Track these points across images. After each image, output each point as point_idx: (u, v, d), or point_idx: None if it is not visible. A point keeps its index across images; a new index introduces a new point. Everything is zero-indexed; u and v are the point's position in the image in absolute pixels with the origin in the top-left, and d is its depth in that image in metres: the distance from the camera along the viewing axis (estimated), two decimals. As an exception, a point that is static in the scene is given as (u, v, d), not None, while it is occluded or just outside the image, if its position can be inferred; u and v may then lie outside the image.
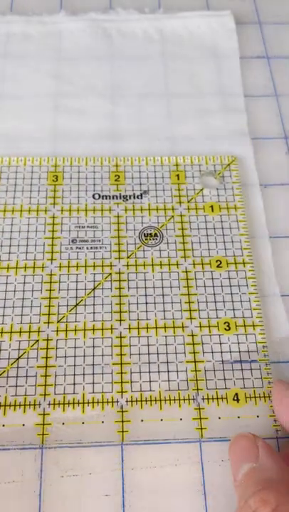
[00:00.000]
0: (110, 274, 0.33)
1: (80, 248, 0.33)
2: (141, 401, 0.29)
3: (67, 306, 0.31)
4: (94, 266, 0.33)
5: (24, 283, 0.32)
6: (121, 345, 0.30)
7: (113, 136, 0.39)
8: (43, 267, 0.33)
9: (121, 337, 0.31)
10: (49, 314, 0.31)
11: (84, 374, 0.29)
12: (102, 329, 0.31)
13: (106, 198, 0.35)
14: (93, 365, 0.30)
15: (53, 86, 0.41)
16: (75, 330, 0.31)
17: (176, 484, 0.27)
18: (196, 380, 0.30)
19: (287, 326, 0.32)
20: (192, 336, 0.31)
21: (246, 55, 0.43)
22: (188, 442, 0.28)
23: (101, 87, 0.41)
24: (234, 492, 0.26)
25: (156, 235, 0.34)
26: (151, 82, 0.41)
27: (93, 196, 0.35)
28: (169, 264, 0.33)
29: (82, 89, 0.41)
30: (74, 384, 0.29)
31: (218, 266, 0.33)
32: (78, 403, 0.29)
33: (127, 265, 0.33)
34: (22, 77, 0.41)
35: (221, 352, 0.30)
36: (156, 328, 0.31)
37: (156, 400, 0.29)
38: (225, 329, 0.31)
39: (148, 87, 0.41)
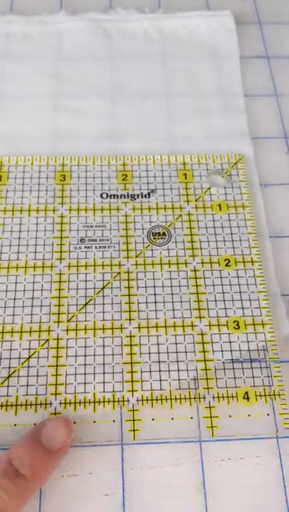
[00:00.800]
0: (119, 273, 0.33)
1: (88, 247, 0.33)
2: (151, 400, 0.29)
3: (77, 305, 0.31)
4: (103, 265, 0.33)
5: (33, 282, 0.32)
6: (131, 345, 0.30)
7: (113, 136, 0.39)
8: (52, 267, 0.33)
9: (131, 336, 0.31)
10: (59, 314, 0.31)
11: (94, 373, 0.29)
12: (112, 328, 0.31)
13: (114, 198, 0.35)
14: (103, 364, 0.30)
15: (53, 86, 0.41)
16: (85, 329, 0.31)
17: (176, 484, 0.27)
18: (206, 378, 0.30)
19: (288, 324, 0.32)
20: (202, 334, 0.31)
21: (246, 55, 0.43)
22: (188, 442, 0.28)
23: (101, 87, 0.41)
24: (234, 491, 0.26)
25: (164, 234, 0.34)
26: (151, 82, 0.41)
27: (101, 195, 0.35)
28: (178, 263, 0.33)
29: (82, 89, 0.41)
30: (85, 383, 0.29)
31: (226, 265, 0.33)
32: (89, 402, 0.29)
33: (136, 264, 0.33)
34: (22, 77, 0.41)
35: (231, 351, 0.30)
36: (165, 327, 0.31)
37: (166, 399, 0.29)
38: (234, 328, 0.31)
39: (148, 87, 0.41)
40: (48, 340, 0.30)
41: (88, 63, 0.42)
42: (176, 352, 0.30)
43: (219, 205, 0.35)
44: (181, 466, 0.28)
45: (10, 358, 0.30)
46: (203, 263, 0.33)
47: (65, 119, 0.39)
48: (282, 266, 0.34)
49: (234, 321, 0.31)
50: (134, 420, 0.28)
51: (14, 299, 0.31)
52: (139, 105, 0.40)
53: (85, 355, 0.30)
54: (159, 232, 0.34)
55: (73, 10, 0.44)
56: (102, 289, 0.32)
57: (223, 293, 0.32)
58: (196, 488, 0.27)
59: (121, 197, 0.35)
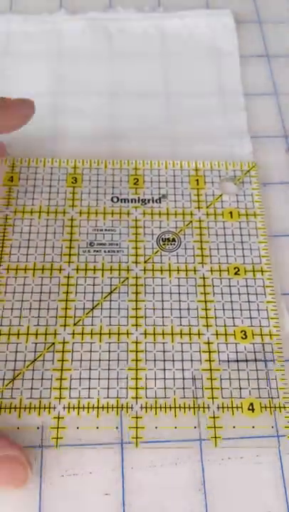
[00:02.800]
0: (127, 278, 0.32)
1: (97, 251, 0.33)
2: (155, 408, 0.29)
3: (84, 309, 0.31)
4: (111, 269, 0.33)
5: (41, 285, 0.32)
6: (136, 351, 0.30)
7: (113, 135, 0.38)
8: (60, 270, 0.32)
9: (137, 342, 0.30)
10: (66, 317, 0.31)
11: (99, 378, 0.29)
12: (118, 334, 0.31)
13: (124, 202, 0.35)
14: (108, 369, 0.30)
15: (53, 85, 0.41)
16: (91, 334, 0.31)
17: (176, 483, 0.27)
18: (212, 388, 0.29)
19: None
20: (208, 343, 0.31)
21: (246, 54, 0.43)
22: (188, 441, 0.28)
23: (101, 86, 0.41)
24: (234, 491, 0.27)
25: (174, 240, 0.34)
26: (150, 81, 0.41)
27: (112, 199, 0.35)
28: (186, 270, 0.33)
29: (82, 88, 0.41)
30: (89, 388, 0.29)
31: (235, 273, 0.33)
32: (93, 408, 0.29)
33: (144, 270, 0.33)
34: (22, 77, 0.41)
35: (237, 361, 0.30)
36: (172, 334, 0.31)
37: (170, 407, 0.29)
38: (241, 338, 0.31)
39: (148, 86, 0.41)
40: (53, 343, 0.30)
41: (88, 62, 0.42)
42: (182, 360, 0.30)
43: (230, 213, 0.35)
44: (182, 466, 0.28)
45: (15, 361, 0.30)
46: (212, 271, 0.33)
47: (64, 118, 0.39)
48: (283, 264, 0.34)
49: (241, 331, 0.31)
50: (137, 428, 0.28)
51: (21, 300, 0.31)
52: (139, 104, 0.40)
53: (90, 360, 0.30)
54: (168, 238, 0.34)
55: (73, 9, 0.44)
56: (110, 293, 0.32)
57: (232, 302, 0.32)
58: (197, 487, 0.27)
59: (132, 201, 0.35)
